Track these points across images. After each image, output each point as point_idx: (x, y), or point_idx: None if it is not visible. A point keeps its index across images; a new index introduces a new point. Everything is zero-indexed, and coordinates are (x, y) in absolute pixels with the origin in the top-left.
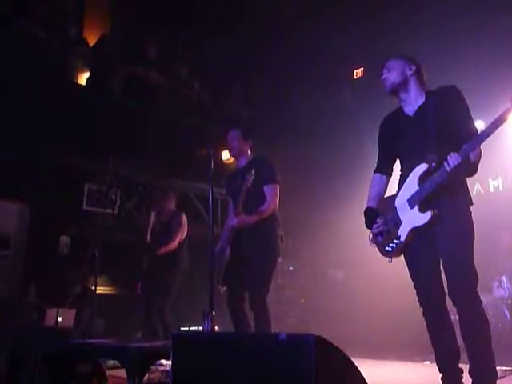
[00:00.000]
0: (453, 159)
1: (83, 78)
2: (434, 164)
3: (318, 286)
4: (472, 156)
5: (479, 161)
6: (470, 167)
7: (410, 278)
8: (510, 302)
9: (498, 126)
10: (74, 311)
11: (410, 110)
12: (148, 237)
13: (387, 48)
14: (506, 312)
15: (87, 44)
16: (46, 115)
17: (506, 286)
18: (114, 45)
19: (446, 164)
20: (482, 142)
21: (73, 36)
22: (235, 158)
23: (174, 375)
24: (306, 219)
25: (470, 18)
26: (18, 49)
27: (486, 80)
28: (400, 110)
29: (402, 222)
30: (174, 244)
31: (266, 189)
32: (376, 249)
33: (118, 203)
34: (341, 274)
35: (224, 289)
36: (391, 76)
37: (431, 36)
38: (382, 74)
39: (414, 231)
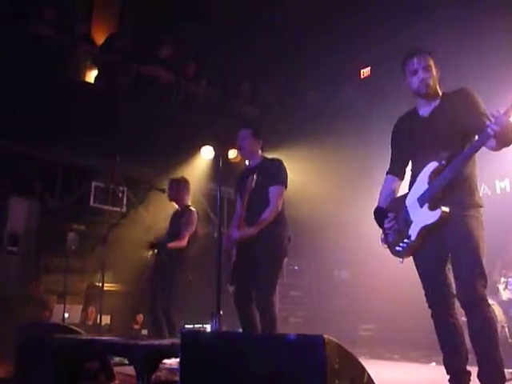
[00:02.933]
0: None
1: (91, 77)
2: (443, 162)
3: (323, 285)
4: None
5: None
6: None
7: (416, 279)
8: None
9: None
10: (81, 307)
11: (425, 111)
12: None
13: (394, 47)
14: None
15: (95, 42)
16: (53, 113)
17: None
18: (123, 43)
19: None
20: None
21: (81, 34)
22: (246, 158)
23: (183, 374)
24: (311, 219)
25: (477, 16)
26: (26, 47)
27: (495, 80)
28: (414, 111)
29: (412, 222)
30: (183, 242)
31: (271, 190)
32: (386, 249)
33: (125, 201)
34: (346, 274)
35: (232, 288)
36: (430, 79)
37: (439, 35)
38: (415, 70)
39: (425, 230)
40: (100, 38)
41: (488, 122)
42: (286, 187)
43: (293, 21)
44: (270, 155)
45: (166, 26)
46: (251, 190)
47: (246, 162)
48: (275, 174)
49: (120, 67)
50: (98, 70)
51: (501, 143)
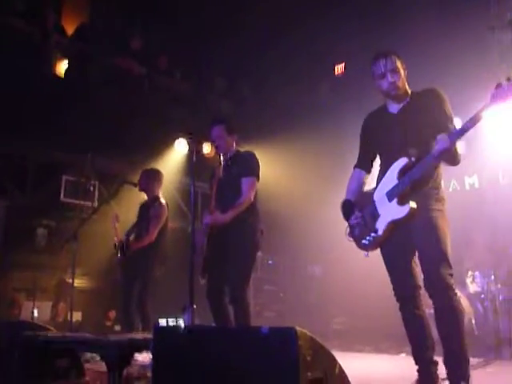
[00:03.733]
0: (441, 142)
1: (61, 68)
2: (413, 158)
3: (297, 280)
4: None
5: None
6: (455, 155)
7: (386, 273)
8: (482, 296)
9: (471, 126)
10: (51, 304)
11: (394, 108)
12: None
13: (369, 44)
14: (479, 306)
15: (65, 33)
16: (22, 106)
17: (479, 281)
18: (94, 34)
19: (434, 148)
20: (462, 135)
21: (51, 24)
22: (223, 154)
23: (155, 368)
24: (286, 214)
25: (449, 16)
26: None
27: (466, 78)
28: (384, 108)
29: (379, 215)
30: (151, 238)
31: (243, 181)
32: (353, 243)
33: (97, 195)
34: (319, 269)
35: (204, 281)
36: (399, 81)
37: (412, 33)
38: (383, 74)
39: (392, 224)
40: (70, 29)
41: (433, 147)
42: (258, 179)
43: (268, 16)
44: (244, 149)
45: (139, 17)
46: (219, 180)
47: (221, 157)
48: (248, 165)
49: (91, 58)
50: (69, 61)
51: (445, 163)
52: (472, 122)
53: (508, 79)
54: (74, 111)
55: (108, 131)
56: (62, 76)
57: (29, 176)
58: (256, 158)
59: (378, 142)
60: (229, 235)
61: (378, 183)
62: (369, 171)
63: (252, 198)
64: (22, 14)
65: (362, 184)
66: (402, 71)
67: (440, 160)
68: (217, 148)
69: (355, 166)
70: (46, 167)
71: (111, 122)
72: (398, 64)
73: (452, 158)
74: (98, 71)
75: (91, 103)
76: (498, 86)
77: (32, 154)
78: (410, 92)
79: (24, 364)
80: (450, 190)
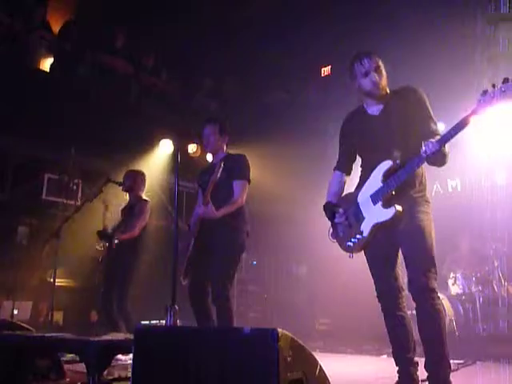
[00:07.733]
0: (430, 146)
1: (46, 65)
2: (398, 161)
3: (282, 281)
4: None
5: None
6: (444, 157)
7: (370, 274)
8: (464, 298)
9: (458, 131)
10: (31, 304)
11: (374, 109)
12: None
13: (355, 46)
14: (460, 308)
15: (51, 29)
16: (5, 102)
17: (460, 283)
18: (80, 31)
19: (422, 150)
20: (448, 141)
21: (36, 20)
22: (211, 153)
23: (135, 369)
24: (270, 214)
25: (436, 20)
26: None
27: (451, 82)
28: (362, 109)
29: (364, 218)
30: (135, 232)
31: (235, 184)
32: (337, 245)
33: (80, 194)
34: (304, 270)
35: (186, 281)
36: (383, 81)
37: (398, 37)
38: (367, 72)
39: (377, 227)
40: (56, 25)
41: (422, 148)
42: (249, 182)
43: (256, 18)
44: (230, 150)
45: (126, 14)
46: (216, 181)
47: (208, 158)
48: (240, 168)
49: (76, 56)
50: (54, 57)
51: (433, 165)
52: (458, 128)
53: (493, 86)
54: (59, 108)
55: (92, 129)
56: (47, 71)
57: (9, 173)
58: (247, 161)
59: (359, 144)
60: (214, 235)
61: (361, 185)
62: (349, 173)
63: (244, 201)
64: (5, 5)
65: (343, 186)
66: (383, 71)
67: (426, 161)
68: (206, 146)
69: (335, 168)
70: (28, 164)
71: (96, 119)
72: (380, 63)
73: (440, 160)
74: (84, 68)
75: (76, 100)
76: (484, 92)
77: (12, 149)
78: (388, 91)
79: (2, 364)
80: (433, 193)
